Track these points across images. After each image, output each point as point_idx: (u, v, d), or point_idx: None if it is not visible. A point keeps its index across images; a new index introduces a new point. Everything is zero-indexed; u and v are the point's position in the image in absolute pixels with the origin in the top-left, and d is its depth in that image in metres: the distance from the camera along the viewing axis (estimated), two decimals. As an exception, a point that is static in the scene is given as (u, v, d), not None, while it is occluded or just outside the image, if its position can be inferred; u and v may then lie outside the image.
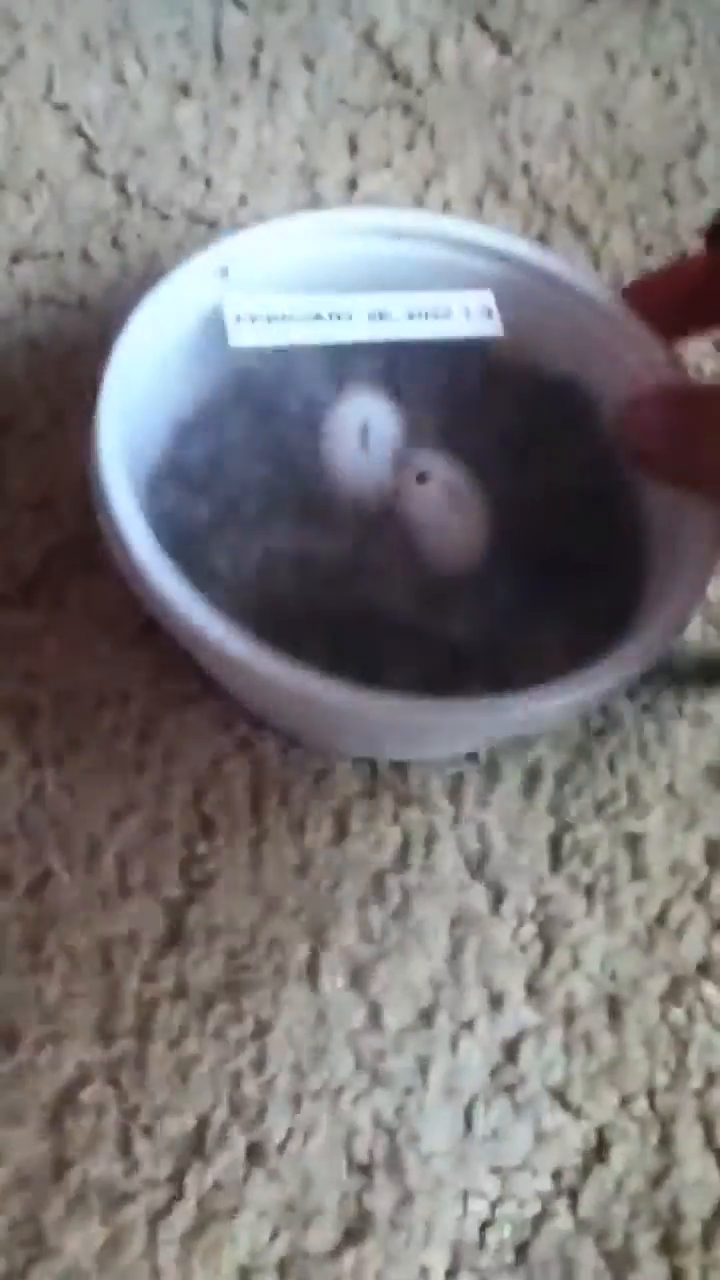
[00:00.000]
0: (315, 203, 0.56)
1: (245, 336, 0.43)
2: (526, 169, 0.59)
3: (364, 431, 0.45)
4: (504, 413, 0.46)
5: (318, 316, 0.44)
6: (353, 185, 0.57)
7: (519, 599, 0.43)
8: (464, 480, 0.45)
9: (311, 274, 0.46)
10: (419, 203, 0.57)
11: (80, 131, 0.55)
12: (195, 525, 0.43)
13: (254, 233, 0.45)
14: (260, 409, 0.46)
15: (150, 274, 0.49)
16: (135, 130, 0.56)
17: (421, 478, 0.44)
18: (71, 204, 0.54)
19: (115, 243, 0.53)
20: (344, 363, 0.46)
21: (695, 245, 0.57)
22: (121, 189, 0.54)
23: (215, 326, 0.44)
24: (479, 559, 0.44)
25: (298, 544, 0.44)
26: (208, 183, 0.56)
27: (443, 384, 0.47)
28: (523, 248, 0.47)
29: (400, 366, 0.47)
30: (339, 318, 0.44)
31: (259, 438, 0.45)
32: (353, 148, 0.58)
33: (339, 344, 0.44)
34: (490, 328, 0.45)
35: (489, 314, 0.45)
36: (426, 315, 0.45)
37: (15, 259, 0.53)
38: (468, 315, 0.45)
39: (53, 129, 0.55)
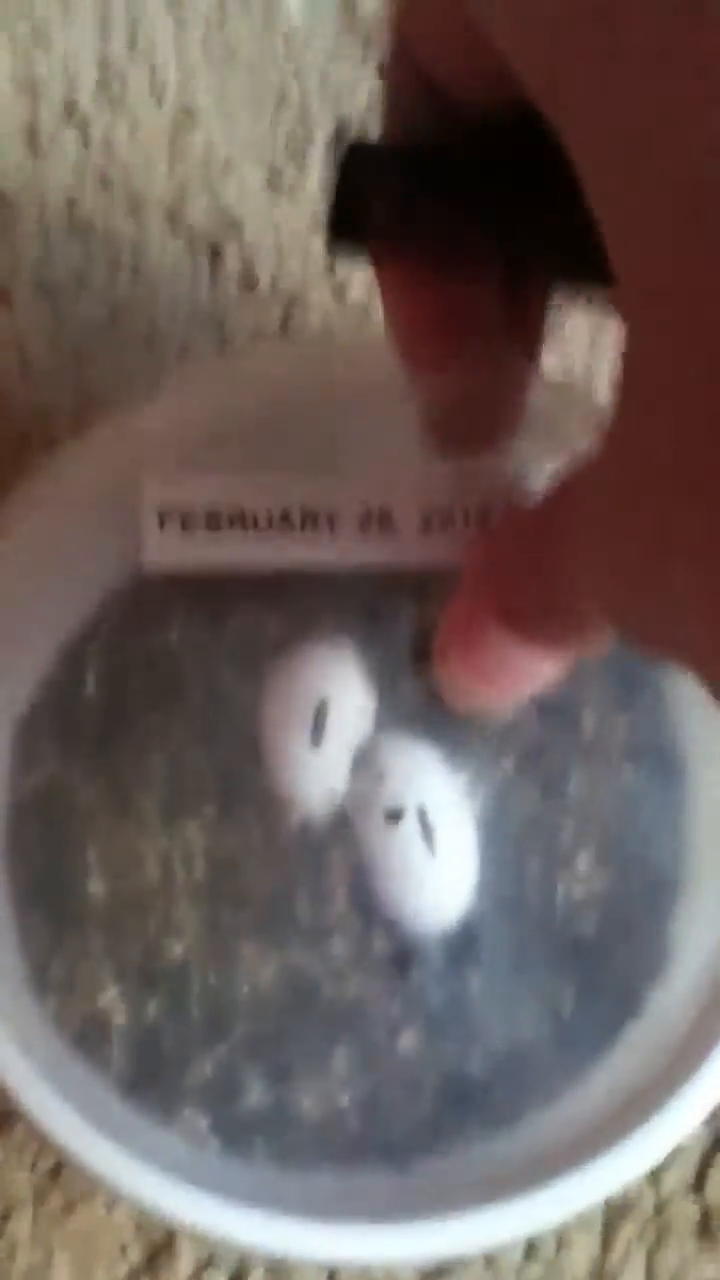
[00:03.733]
0: None
1: (167, 551, 0.30)
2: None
3: (319, 715, 0.30)
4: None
5: (272, 519, 0.31)
6: None
7: (513, 970, 0.32)
8: (453, 796, 0.31)
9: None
10: None
11: None
12: (71, 813, 0.32)
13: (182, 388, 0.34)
14: (180, 639, 0.34)
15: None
16: None
17: (392, 816, 0.30)
18: None
19: None
20: (299, 590, 0.32)
21: None
22: None
23: (120, 515, 0.31)
24: (461, 913, 0.31)
25: (209, 873, 0.32)
26: None
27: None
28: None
29: (379, 595, 0.33)
30: (302, 523, 0.31)
31: (171, 683, 0.33)
32: None
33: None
34: None
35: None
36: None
37: None
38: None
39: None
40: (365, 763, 0.31)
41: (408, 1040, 0.31)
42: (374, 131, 0.27)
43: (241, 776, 0.32)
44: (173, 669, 0.33)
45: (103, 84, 0.44)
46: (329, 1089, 0.30)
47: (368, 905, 0.31)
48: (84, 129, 0.43)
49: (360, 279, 0.43)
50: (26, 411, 0.40)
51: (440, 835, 0.31)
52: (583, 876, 0.32)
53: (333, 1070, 0.30)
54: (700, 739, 0.34)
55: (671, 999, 0.32)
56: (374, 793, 0.31)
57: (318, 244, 0.43)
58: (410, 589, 0.34)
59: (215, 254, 0.42)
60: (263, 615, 0.33)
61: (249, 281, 0.42)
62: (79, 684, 0.33)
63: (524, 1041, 0.31)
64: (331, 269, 0.43)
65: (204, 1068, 0.30)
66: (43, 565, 0.31)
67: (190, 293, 0.42)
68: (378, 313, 0.42)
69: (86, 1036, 0.30)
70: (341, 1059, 0.31)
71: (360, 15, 0.46)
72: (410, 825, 0.31)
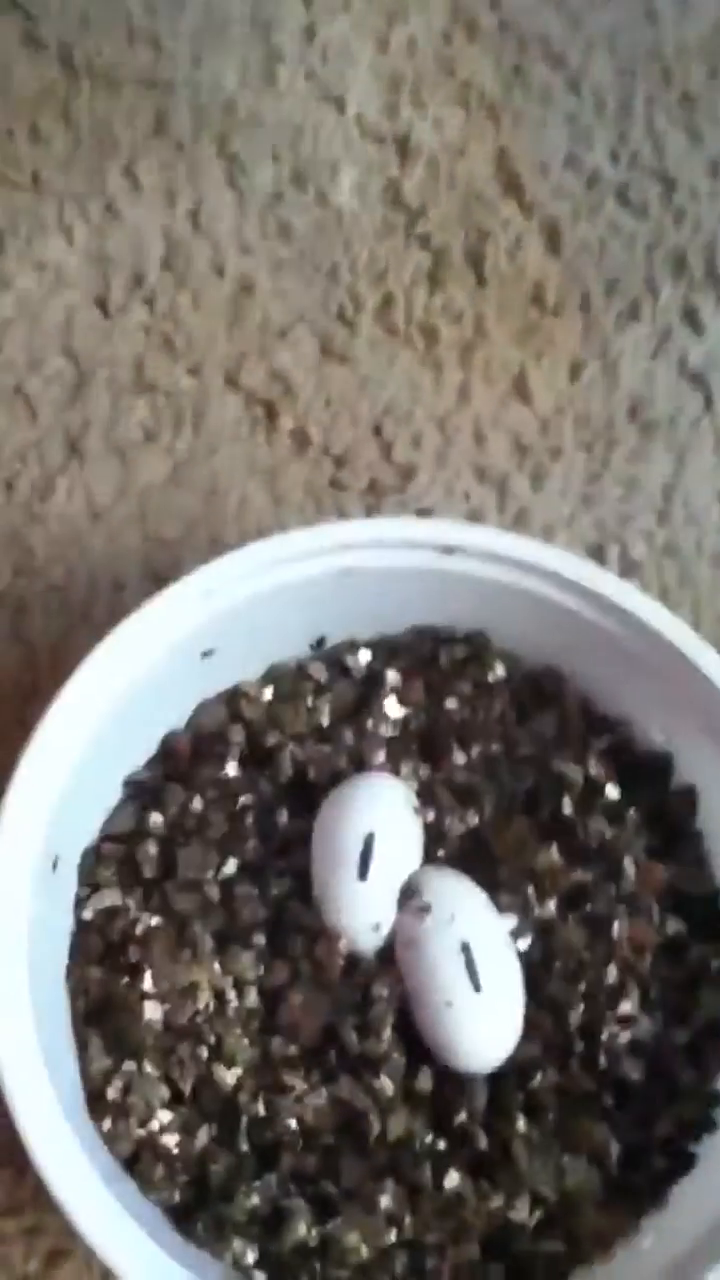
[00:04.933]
0: (271, 59, 0.52)
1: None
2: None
3: (367, 850, 0.32)
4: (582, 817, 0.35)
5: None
6: (310, 34, 0.52)
7: (559, 1115, 0.33)
8: (498, 935, 0.32)
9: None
10: (383, 46, 0.53)
11: (16, 4, 0.52)
12: (130, 948, 0.33)
13: (241, 554, 0.35)
14: (235, 776, 0.36)
15: (103, 147, 0.49)
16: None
17: (438, 952, 0.31)
18: (15, 80, 0.50)
19: (65, 117, 0.50)
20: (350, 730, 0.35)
21: (681, 70, 0.53)
22: (67, 62, 0.51)
23: (187, 658, 0.35)
24: (506, 1053, 0.32)
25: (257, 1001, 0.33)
26: (157, 46, 0.52)
27: (488, 759, 0.36)
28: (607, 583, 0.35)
29: (433, 727, 0.36)
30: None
31: (226, 817, 0.35)
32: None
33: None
34: None
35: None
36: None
37: None
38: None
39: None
40: (411, 897, 0.33)
41: (452, 1182, 0.31)
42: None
43: (292, 908, 0.33)
44: (228, 804, 0.35)
45: (168, 257, 0.47)
46: (375, 1227, 0.31)
47: (413, 1041, 0.32)
48: (151, 298, 0.46)
49: (405, 438, 0.46)
50: (97, 556, 0.42)
51: (485, 973, 0.32)
52: (627, 1023, 0.33)
53: (378, 1208, 0.31)
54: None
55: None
56: (419, 928, 0.32)
57: (365, 406, 0.46)
58: (455, 728, 0.36)
59: (271, 414, 0.45)
60: (314, 754, 0.35)
61: (302, 440, 0.45)
62: (141, 817, 0.35)
63: (571, 1191, 0.32)
64: (378, 430, 0.46)
65: (252, 1199, 0.31)
66: (114, 709, 0.33)
67: (247, 450, 0.45)
68: (424, 472, 0.45)
69: (139, 1159, 0.31)
70: (387, 1197, 0.31)
71: (404, 197, 0.50)
72: (456, 962, 0.32)
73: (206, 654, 0.35)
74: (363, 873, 0.32)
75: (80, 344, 0.45)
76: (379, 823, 0.33)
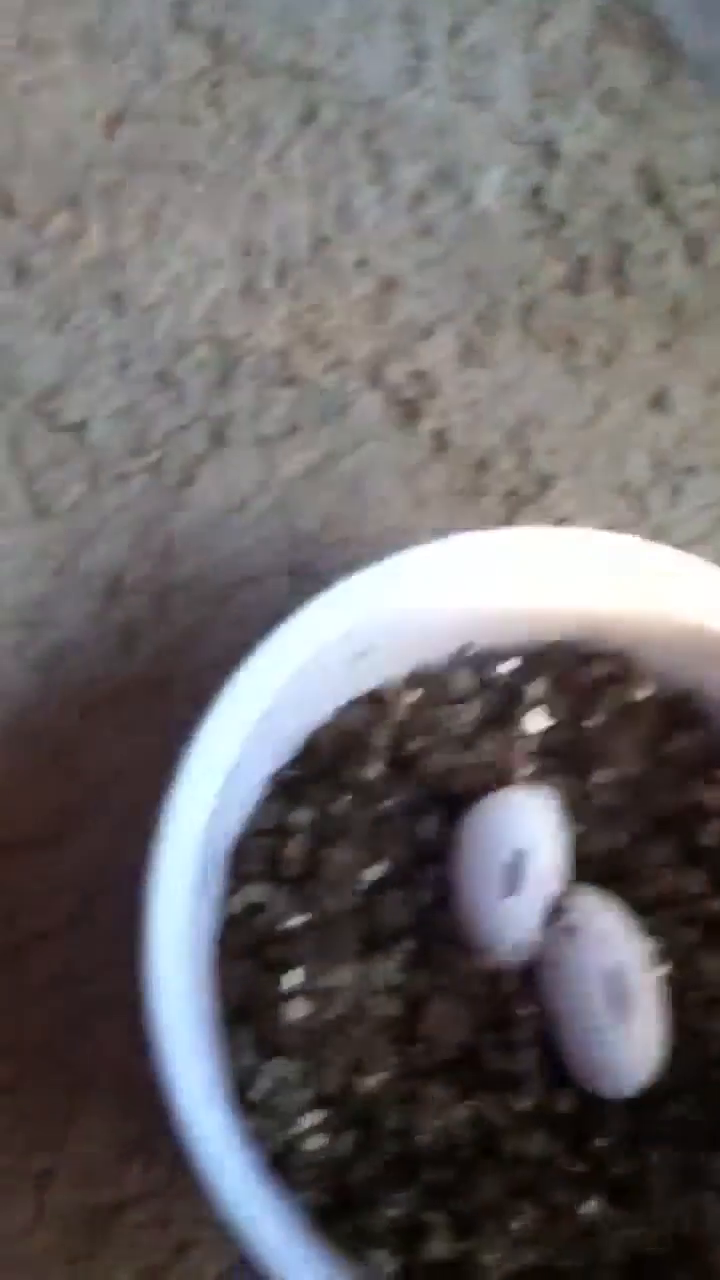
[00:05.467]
0: (418, 55, 0.52)
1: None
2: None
3: (516, 866, 0.32)
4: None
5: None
6: (457, 32, 0.52)
7: (699, 1146, 0.32)
8: (642, 959, 0.32)
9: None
10: (530, 47, 0.53)
11: None
12: (275, 946, 0.33)
13: (404, 557, 0.35)
14: (380, 778, 0.36)
15: (252, 135, 0.49)
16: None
17: (583, 973, 0.31)
18: (167, 62, 0.50)
19: (214, 101, 0.50)
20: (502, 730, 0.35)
21: None
22: (217, 45, 0.51)
23: (339, 659, 0.35)
24: (647, 1079, 0.32)
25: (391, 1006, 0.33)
26: (306, 34, 0.51)
27: (630, 780, 0.35)
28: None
29: (578, 747, 0.35)
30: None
31: (371, 820, 0.35)
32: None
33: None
34: None
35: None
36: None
37: (114, 121, 0.49)
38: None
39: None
40: (558, 916, 0.33)
41: (590, 1208, 0.31)
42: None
43: (437, 918, 0.33)
44: (372, 807, 0.35)
45: (314, 249, 0.47)
46: (512, 1248, 0.31)
47: (555, 1061, 0.32)
48: (297, 290, 0.46)
49: (544, 446, 0.46)
50: (236, 546, 0.43)
51: (630, 998, 0.32)
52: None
53: (515, 1229, 0.31)
54: None
55: None
56: (566, 948, 0.32)
57: (505, 411, 0.46)
58: (598, 745, 0.36)
59: (411, 414, 0.45)
60: (459, 762, 0.35)
61: (442, 442, 0.45)
62: (286, 815, 0.35)
63: (707, 1227, 0.31)
64: (517, 437, 0.46)
65: (393, 1209, 0.31)
66: (267, 706, 0.33)
67: (388, 449, 0.45)
68: (562, 482, 0.45)
69: (285, 1160, 0.31)
70: (524, 1218, 0.31)
71: (547, 201, 0.50)
72: (602, 986, 0.32)
73: (359, 656, 0.35)
74: (511, 889, 0.32)
75: (227, 331, 0.45)
76: (527, 838, 0.33)
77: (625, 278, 0.49)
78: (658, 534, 0.45)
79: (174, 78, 0.50)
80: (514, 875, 0.32)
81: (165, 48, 0.50)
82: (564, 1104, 0.32)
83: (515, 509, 0.45)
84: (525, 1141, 0.32)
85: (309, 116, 0.50)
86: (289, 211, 0.48)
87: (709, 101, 0.54)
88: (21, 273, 0.46)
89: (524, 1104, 0.32)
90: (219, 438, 0.44)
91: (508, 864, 0.33)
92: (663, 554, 0.36)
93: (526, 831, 0.33)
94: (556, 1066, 0.32)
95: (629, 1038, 0.32)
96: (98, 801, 0.39)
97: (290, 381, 0.45)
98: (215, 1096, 0.29)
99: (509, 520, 0.44)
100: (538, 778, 0.36)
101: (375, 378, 0.46)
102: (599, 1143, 0.32)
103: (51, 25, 0.50)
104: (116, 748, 0.40)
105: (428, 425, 0.45)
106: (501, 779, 0.35)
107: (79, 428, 0.44)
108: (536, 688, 0.37)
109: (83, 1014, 0.37)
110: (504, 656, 0.37)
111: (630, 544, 0.36)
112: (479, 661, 0.37)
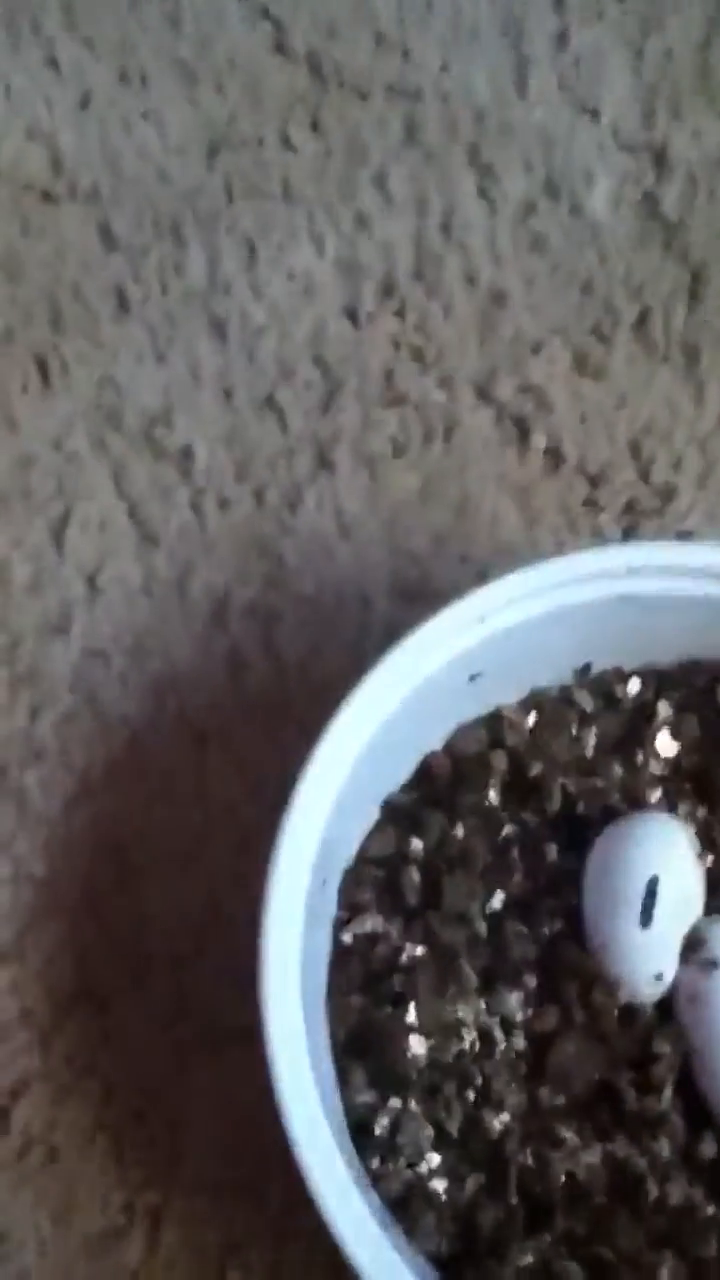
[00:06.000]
0: (522, 67, 0.51)
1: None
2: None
3: (650, 895, 0.30)
4: None
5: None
6: (563, 41, 0.51)
7: None
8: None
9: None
10: (638, 55, 0.52)
11: (267, 14, 0.52)
12: (391, 978, 0.32)
13: (519, 577, 0.34)
14: (501, 803, 0.35)
15: (353, 156, 0.49)
16: (324, 6, 0.52)
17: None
18: (266, 89, 0.50)
19: (314, 126, 0.50)
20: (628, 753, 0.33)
21: None
22: (316, 70, 0.51)
23: (453, 681, 0.34)
24: None
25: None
26: (405, 54, 0.51)
27: None
28: None
29: (708, 766, 0.34)
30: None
31: (491, 848, 0.34)
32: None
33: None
34: None
35: None
36: None
37: (213, 150, 0.49)
38: None
39: (237, 14, 0.52)
40: (697, 949, 0.31)
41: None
42: None
43: (564, 950, 0.32)
44: (491, 833, 0.34)
45: (419, 267, 0.47)
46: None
47: (695, 1103, 0.31)
48: (401, 309, 0.46)
49: (664, 458, 0.44)
50: (345, 569, 0.42)
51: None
52: None
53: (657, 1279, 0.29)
54: None
55: None
56: (707, 983, 0.31)
57: (622, 424, 0.45)
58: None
59: (523, 430, 0.44)
60: (583, 786, 0.34)
61: (555, 457, 0.44)
62: (402, 841, 0.34)
63: None
64: (636, 450, 0.44)
65: (525, 1257, 0.29)
66: (380, 730, 0.32)
67: (499, 466, 0.44)
68: (684, 495, 0.44)
69: (408, 1203, 0.30)
70: (666, 1270, 0.29)
71: (661, 210, 0.49)
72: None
73: (474, 677, 0.34)
74: (646, 920, 0.31)
75: (330, 354, 0.45)
76: (661, 866, 0.31)
77: (745, 285, 0.48)
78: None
79: (273, 104, 0.50)
80: (649, 904, 0.31)
81: (263, 75, 0.51)
82: (708, 1149, 0.30)
83: (636, 523, 0.43)
84: (666, 1187, 0.30)
85: (411, 134, 0.50)
86: (392, 230, 0.48)
87: None
88: (123, 304, 0.46)
89: (663, 1147, 0.30)
90: (324, 461, 0.43)
91: (642, 893, 0.31)
92: None
93: (660, 858, 0.32)
94: (698, 1108, 0.31)
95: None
96: (211, 831, 0.39)
97: (396, 401, 0.44)
98: (334, 1135, 0.28)
99: (629, 535, 0.43)
100: (667, 803, 0.34)
101: (484, 394, 0.45)
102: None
103: (150, 57, 0.50)
104: (229, 776, 0.39)
105: (540, 441, 0.44)
106: (629, 804, 0.34)
107: (184, 455, 0.44)
108: (663, 708, 0.35)
109: (192, 1048, 0.36)
110: (627, 676, 0.36)
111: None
112: (601, 682, 0.36)
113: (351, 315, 0.46)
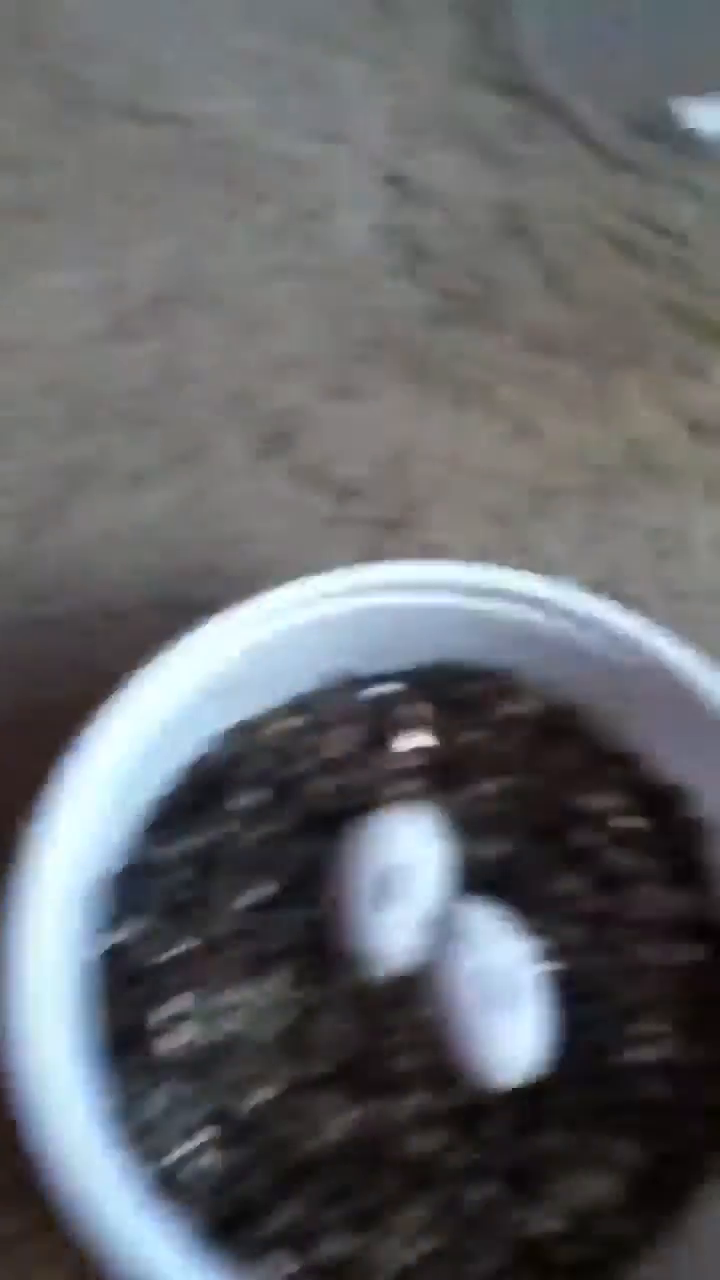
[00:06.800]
0: (276, 94, 0.53)
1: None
2: None
3: (390, 880, 0.33)
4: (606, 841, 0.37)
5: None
6: (313, 72, 0.56)
7: (583, 1129, 0.34)
8: (524, 958, 0.34)
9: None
10: (389, 87, 0.57)
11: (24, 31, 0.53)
12: (160, 973, 0.34)
13: (271, 596, 0.37)
14: (260, 802, 0.37)
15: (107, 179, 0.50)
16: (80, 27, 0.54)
17: (466, 975, 0.33)
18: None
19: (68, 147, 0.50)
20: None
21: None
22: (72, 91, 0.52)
23: (213, 691, 0.36)
24: (532, 1070, 0.33)
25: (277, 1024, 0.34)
26: (161, 78, 0.55)
27: (511, 791, 0.37)
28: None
29: (456, 759, 0.37)
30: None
31: (253, 846, 0.36)
32: None
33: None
34: None
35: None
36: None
37: None
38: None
39: None
40: (441, 922, 0.34)
41: (480, 1194, 0.33)
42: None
43: (321, 934, 0.35)
44: (254, 832, 0.36)
45: (177, 288, 0.49)
46: (411, 1237, 0.32)
47: (441, 1061, 0.34)
48: (158, 329, 0.48)
49: (412, 475, 0.47)
50: (101, 588, 0.44)
51: (512, 995, 0.33)
52: (651, 1042, 0.35)
53: (409, 1222, 0.32)
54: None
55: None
56: (447, 954, 0.34)
57: (374, 443, 0.48)
58: (478, 760, 0.38)
59: (279, 449, 0.47)
60: (339, 784, 0.37)
61: (310, 475, 0.47)
62: (167, 845, 0.36)
63: (598, 1202, 0.33)
64: (387, 467, 0.47)
65: (288, 1214, 0.32)
66: (140, 740, 0.35)
67: (256, 484, 0.46)
68: (434, 508, 0.47)
69: (176, 1178, 0.32)
70: (417, 1211, 0.32)
71: (412, 238, 0.52)
72: (483, 984, 0.33)
73: (232, 688, 0.37)
74: (386, 903, 0.34)
75: (87, 374, 0.47)
76: (403, 853, 0.34)
77: (489, 311, 0.52)
78: (525, 556, 0.47)
79: (28, 124, 0.52)
80: (384, 890, 0.34)
81: (17, 94, 0.52)
82: (454, 1099, 0.33)
83: (385, 537, 0.46)
84: (417, 1139, 0.33)
85: (165, 159, 0.52)
86: (147, 252, 0.50)
87: (564, 138, 0.57)
88: None
89: (414, 1103, 0.33)
90: (79, 481, 0.45)
91: (378, 880, 0.34)
92: (527, 579, 0.38)
93: (401, 846, 0.35)
94: (446, 1067, 0.34)
95: (512, 1033, 0.33)
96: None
97: (153, 421, 0.47)
98: (90, 1127, 0.30)
99: (380, 547, 0.46)
100: (420, 795, 0.37)
101: (241, 414, 0.47)
102: (490, 1132, 0.33)
103: None
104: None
105: (295, 459, 0.47)
106: (380, 798, 0.37)
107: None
108: (416, 708, 0.39)
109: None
110: (380, 680, 0.39)
111: (494, 573, 0.38)
112: (357, 686, 0.39)
113: (109, 335, 0.48)
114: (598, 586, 0.47)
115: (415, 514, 0.47)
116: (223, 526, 0.46)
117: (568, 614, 0.38)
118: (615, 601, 0.48)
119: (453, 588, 0.38)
